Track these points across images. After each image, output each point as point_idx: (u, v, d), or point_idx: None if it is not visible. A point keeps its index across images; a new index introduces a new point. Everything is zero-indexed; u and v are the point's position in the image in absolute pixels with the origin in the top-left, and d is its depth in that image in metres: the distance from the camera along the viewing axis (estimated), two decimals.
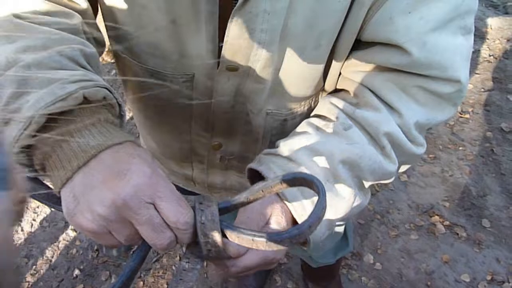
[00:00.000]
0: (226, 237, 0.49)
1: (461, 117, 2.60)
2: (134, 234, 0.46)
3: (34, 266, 2.03)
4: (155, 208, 0.45)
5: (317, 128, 0.66)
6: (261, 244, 0.46)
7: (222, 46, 0.62)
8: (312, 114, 0.72)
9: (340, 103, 0.67)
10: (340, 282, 1.80)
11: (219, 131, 0.78)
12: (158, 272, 1.98)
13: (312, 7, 0.58)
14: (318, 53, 0.64)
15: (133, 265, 0.48)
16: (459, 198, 2.17)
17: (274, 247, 0.45)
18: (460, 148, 2.41)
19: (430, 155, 2.37)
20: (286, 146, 0.63)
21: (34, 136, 0.45)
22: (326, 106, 0.69)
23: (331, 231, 0.62)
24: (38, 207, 2.27)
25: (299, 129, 0.68)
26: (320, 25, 0.60)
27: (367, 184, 0.65)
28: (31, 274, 2.01)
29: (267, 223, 0.58)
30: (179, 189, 1.00)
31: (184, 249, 0.51)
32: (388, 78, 0.63)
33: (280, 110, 0.74)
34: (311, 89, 0.72)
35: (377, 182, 0.66)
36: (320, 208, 0.44)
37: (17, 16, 0.53)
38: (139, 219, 0.44)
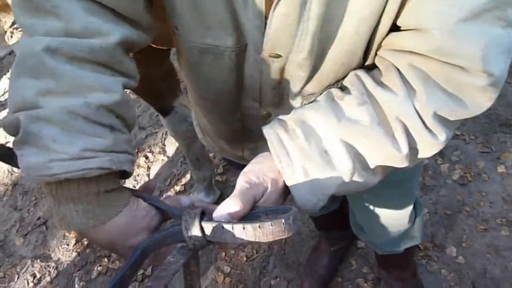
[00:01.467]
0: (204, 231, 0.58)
1: None
2: None
3: None
4: None
5: (332, 99, 0.68)
6: (237, 230, 0.54)
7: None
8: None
9: (364, 77, 0.67)
10: (415, 273, 1.77)
11: (268, 102, 0.81)
12: (239, 245, 2.10)
13: None
14: (358, 40, 0.65)
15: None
16: None
17: (251, 234, 0.54)
18: None
19: None
20: (293, 117, 0.68)
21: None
22: (350, 77, 0.70)
23: (322, 201, 0.66)
24: (138, 175, 2.51)
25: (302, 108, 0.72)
26: (359, 12, 0.60)
27: (372, 164, 0.66)
28: None
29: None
30: (234, 162, 1.06)
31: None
32: (416, 62, 0.62)
33: (315, 91, 0.76)
34: (348, 71, 0.72)
35: (385, 164, 0.67)
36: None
37: (48, 49, 0.57)
38: None
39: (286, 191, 0.67)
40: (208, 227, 0.57)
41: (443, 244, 1.91)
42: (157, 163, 2.55)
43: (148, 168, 2.53)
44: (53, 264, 2.25)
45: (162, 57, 1.54)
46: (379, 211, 1.23)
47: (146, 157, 2.59)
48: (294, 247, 2.05)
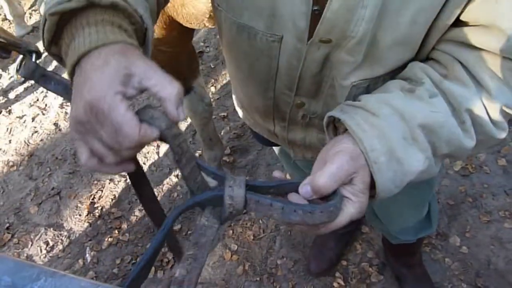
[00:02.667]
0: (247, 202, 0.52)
1: None
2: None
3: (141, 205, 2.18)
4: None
5: (402, 89, 0.63)
6: (276, 212, 0.51)
7: (315, 9, 0.60)
8: (399, 75, 0.68)
9: (429, 70, 0.63)
10: (421, 260, 1.68)
11: (303, 91, 0.75)
12: (246, 224, 2.02)
13: None
14: (414, 30, 0.60)
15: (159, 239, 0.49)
16: None
17: (287, 218, 0.51)
18: None
19: None
20: (369, 101, 0.61)
21: (54, 31, 0.48)
22: (414, 70, 0.65)
23: (398, 188, 0.59)
24: (148, 152, 2.41)
25: (384, 87, 0.66)
26: (418, 2, 0.57)
27: (440, 153, 0.62)
28: (138, 210, 2.16)
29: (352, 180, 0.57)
30: (263, 139, 1.01)
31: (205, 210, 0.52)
32: (483, 58, 0.59)
33: (365, 79, 0.69)
34: (401, 62, 0.67)
35: (450, 155, 0.63)
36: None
37: None
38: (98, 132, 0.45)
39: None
40: (253, 200, 0.51)
41: (447, 233, 1.81)
42: None
43: (158, 146, 2.42)
44: (65, 233, 2.15)
45: (189, 37, 1.52)
46: (399, 202, 1.15)
47: None
48: None
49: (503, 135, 0.63)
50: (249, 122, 1.02)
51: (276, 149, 1.28)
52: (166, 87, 0.45)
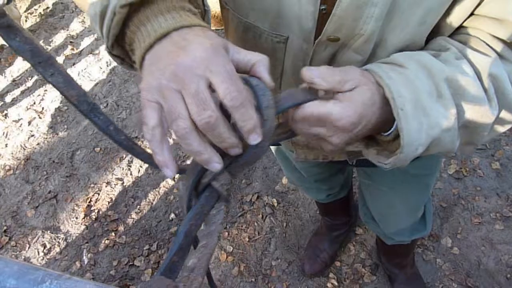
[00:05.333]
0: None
1: None
2: (180, 107, 0.44)
3: (138, 206, 2.21)
4: (208, 84, 0.43)
5: (428, 52, 0.62)
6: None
7: (322, 9, 0.59)
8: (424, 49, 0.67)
9: (451, 40, 0.63)
10: (413, 261, 1.72)
11: None
12: (242, 226, 2.05)
13: None
14: (422, 29, 0.61)
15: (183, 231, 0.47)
16: None
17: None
18: None
19: None
20: (397, 56, 0.60)
21: (123, 24, 0.48)
22: (437, 41, 0.64)
23: (422, 147, 0.56)
24: None
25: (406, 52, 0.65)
26: (428, 1, 0.57)
27: (463, 119, 0.59)
28: (135, 212, 2.19)
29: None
30: None
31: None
32: (497, 36, 0.60)
33: None
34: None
35: (472, 121, 0.59)
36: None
37: None
38: (187, 90, 0.43)
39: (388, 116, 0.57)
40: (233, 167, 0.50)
41: (439, 234, 1.86)
42: None
43: None
44: (62, 236, 2.18)
45: None
46: (395, 204, 1.19)
47: None
48: (295, 230, 1.99)
49: None
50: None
51: (273, 149, 1.29)
52: (256, 55, 0.48)
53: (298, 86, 0.70)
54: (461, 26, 0.63)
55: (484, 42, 0.61)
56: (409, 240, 1.37)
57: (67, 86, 0.47)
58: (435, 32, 0.64)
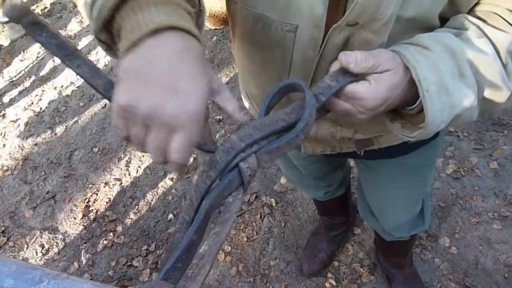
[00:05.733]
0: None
1: None
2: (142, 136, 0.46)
3: (136, 206, 2.21)
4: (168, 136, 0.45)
5: (450, 31, 0.65)
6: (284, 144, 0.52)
7: None
8: (444, 26, 0.70)
9: (470, 17, 0.65)
10: (412, 261, 1.73)
11: (316, 82, 0.76)
12: (240, 226, 2.05)
13: None
14: (435, 6, 0.64)
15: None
16: None
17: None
18: None
19: None
20: (421, 37, 0.62)
21: (113, 9, 0.47)
22: (458, 19, 0.67)
23: (444, 123, 0.61)
24: (143, 156, 2.44)
25: (434, 31, 0.68)
26: None
27: (482, 95, 0.63)
28: (133, 213, 2.19)
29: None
30: None
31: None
32: None
33: None
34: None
35: (488, 98, 0.64)
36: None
37: None
38: (146, 135, 0.46)
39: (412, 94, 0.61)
40: (262, 153, 0.52)
41: (437, 234, 1.87)
42: None
43: None
44: (60, 236, 2.18)
45: None
46: (395, 197, 1.20)
47: None
48: (294, 230, 2.00)
49: None
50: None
51: None
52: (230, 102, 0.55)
53: (310, 78, 0.75)
54: (479, 2, 0.66)
55: (502, 17, 0.63)
56: (408, 236, 1.38)
57: (93, 76, 0.49)
58: (453, 9, 0.66)
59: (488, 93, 0.63)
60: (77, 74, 0.49)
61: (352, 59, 0.57)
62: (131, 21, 0.46)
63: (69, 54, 0.48)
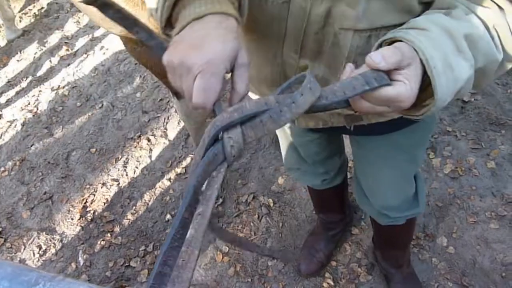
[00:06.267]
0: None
1: None
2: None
3: (134, 207, 2.21)
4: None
5: (439, 11, 0.69)
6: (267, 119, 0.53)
7: None
8: (432, 7, 0.73)
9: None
10: (409, 260, 1.74)
11: (307, 52, 0.82)
12: (238, 226, 2.05)
13: None
14: None
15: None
16: None
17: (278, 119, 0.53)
18: None
19: None
20: (418, 21, 0.65)
21: (172, 8, 0.62)
22: (446, 0, 0.71)
23: (450, 98, 0.63)
24: (140, 156, 2.44)
25: (424, 13, 0.71)
26: None
27: (477, 66, 0.66)
28: (131, 213, 2.19)
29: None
30: None
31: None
32: None
33: (366, 28, 0.75)
34: (401, 14, 0.72)
35: (484, 66, 0.68)
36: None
37: None
38: (183, 80, 0.58)
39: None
40: (248, 127, 0.53)
41: (434, 234, 1.87)
42: (159, 146, 2.48)
43: (150, 150, 2.46)
44: (58, 237, 2.18)
45: None
46: (385, 173, 1.22)
47: (149, 140, 2.52)
48: (291, 230, 2.00)
49: None
50: (254, 95, 1.07)
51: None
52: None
53: (297, 60, 0.83)
54: None
55: None
56: (403, 219, 1.37)
57: (148, 39, 0.63)
58: None
59: (481, 64, 0.67)
60: (138, 38, 0.63)
61: (379, 58, 0.58)
62: (182, 14, 0.61)
63: (130, 23, 0.61)
